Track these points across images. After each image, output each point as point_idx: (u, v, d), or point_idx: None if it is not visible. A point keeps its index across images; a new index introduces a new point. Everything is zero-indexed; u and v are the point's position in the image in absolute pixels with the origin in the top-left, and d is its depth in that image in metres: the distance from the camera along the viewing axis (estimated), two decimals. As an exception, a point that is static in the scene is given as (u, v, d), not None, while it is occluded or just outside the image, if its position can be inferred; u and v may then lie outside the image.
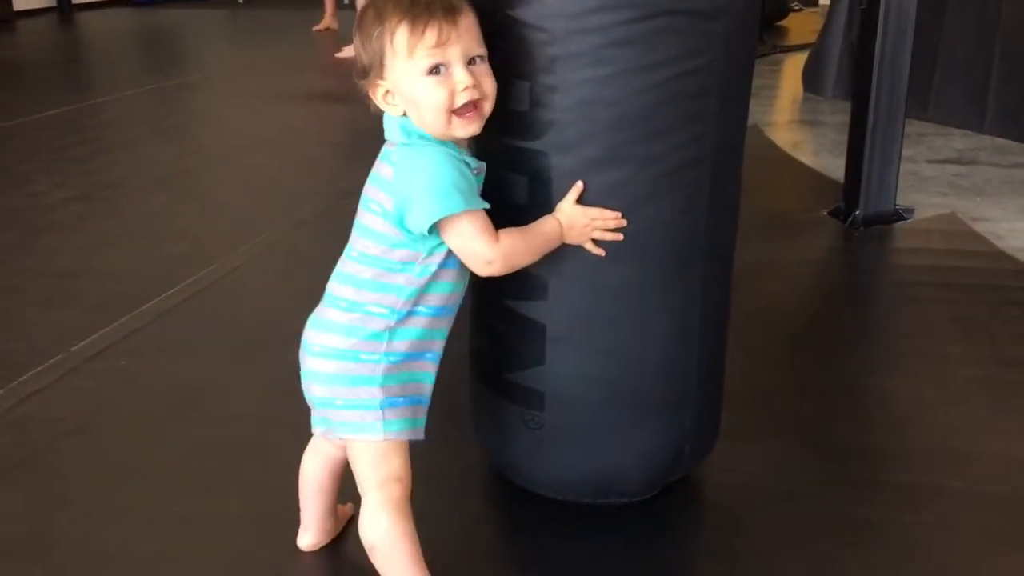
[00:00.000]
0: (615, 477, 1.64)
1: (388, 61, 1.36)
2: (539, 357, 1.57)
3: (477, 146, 1.57)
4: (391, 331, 1.39)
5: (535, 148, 1.48)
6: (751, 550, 1.61)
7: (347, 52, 6.95)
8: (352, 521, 1.66)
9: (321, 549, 1.60)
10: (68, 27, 8.96)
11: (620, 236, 1.47)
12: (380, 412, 1.38)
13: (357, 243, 1.42)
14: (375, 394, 1.38)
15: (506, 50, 1.45)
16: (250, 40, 7.03)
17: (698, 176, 1.51)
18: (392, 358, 1.39)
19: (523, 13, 1.42)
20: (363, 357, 1.38)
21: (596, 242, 1.48)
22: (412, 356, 1.42)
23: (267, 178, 3.95)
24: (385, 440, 1.38)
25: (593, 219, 1.46)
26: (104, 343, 2.38)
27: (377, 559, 1.39)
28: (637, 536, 1.64)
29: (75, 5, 9.80)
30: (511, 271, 1.45)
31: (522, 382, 1.60)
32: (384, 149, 1.43)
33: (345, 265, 1.43)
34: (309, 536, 1.60)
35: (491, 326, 1.63)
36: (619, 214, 1.46)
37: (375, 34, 1.35)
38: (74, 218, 3.41)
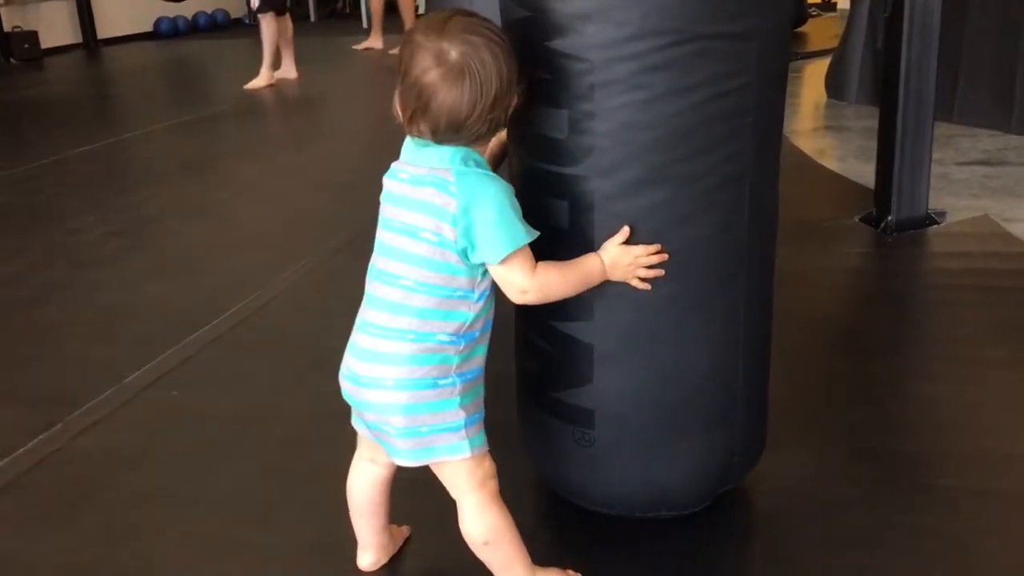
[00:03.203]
0: (666, 491, 1.67)
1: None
2: (587, 376, 1.61)
3: (519, 172, 1.61)
4: (460, 355, 1.43)
5: (575, 173, 1.51)
6: (805, 559, 1.63)
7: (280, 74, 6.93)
8: (408, 541, 1.70)
9: (381, 568, 1.64)
10: (94, 62, 9.11)
11: (662, 273, 1.51)
12: (464, 431, 1.43)
13: (407, 272, 1.41)
14: (458, 416, 1.43)
15: (544, 79, 1.49)
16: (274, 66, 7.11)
17: (737, 193, 1.54)
18: (465, 378, 1.44)
19: (561, 44, 1.46)
20: (440, 383, 1.42)
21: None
22: (477, 373, 1.47)
23: (300, 205, 4.02)
24: (472, 456, 1.44)
25: (637, 257, 1.49)
26: (155, 374, 2.44)
27: (489, 553, 1.49)
28: (690, 548, 1.66)
29: (100, 40, 9.97)
30: (546, 302, 1.49)
31: (571, 400, 1.63)
32: (424, 175, 1.40)
33: (393, 294, 1.42)
34: (369, 555, 1.64)
35: (538, 347, 1.67)
36: (659, 247, 1.49)
37: (511, 55, 1.39)
38: (115, 252, 3.49)
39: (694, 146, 1.48)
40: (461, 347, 1.43)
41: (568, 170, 1.52)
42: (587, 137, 1.49)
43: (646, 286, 1.51)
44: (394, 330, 1.42)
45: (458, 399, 1.43)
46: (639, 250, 1.49)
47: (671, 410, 1.60)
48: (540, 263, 1.45)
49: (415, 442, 1.43)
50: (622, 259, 1.49)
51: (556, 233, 1.53)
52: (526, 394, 1.75)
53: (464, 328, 1.43)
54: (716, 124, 1.48)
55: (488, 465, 1.47)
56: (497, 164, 1.64)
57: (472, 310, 1.43)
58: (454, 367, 1.42)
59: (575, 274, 1.48)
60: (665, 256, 1.50)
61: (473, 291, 1.42)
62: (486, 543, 1.48)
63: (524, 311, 1.65)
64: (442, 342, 1.41)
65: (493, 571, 1.51)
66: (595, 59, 1.44)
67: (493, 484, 1.48)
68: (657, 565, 1.64)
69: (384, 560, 1.65)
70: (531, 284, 1.43)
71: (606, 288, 1.53)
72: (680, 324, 1.57)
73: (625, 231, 1.49)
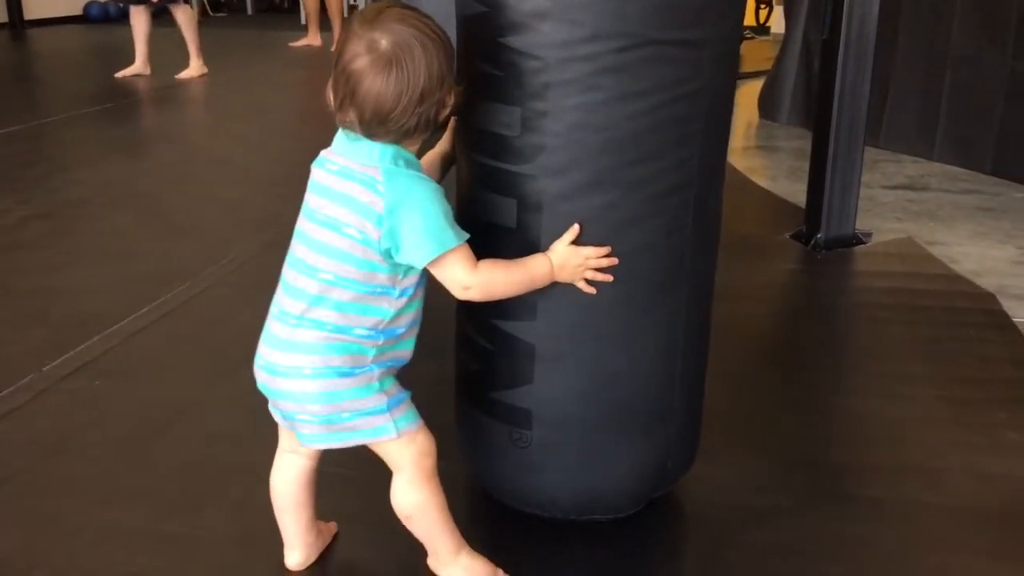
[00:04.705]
0: (601, 493, 1.67)
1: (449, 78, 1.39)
2: (527, 376, 1.60)
3: (468, 169, 1.60)
4: (379, 348, 1.43)
5: (525, 172, 1.51)
6: (736, 565, 1.65)
7: (129, 71, 6.62)
8: (337, 538, 1.67)
9: (310, 567, 1.61)
10: (20, 43, 8.82)
11: (610, 277, 1.51)
12: (388, 414, 1.43)
13: (327, 265, 1.39)
14: (380, 400, 1.43)
15: (499, 76, 1.49)
16: (209, 59, 6.98)
17: (683, 199, 1.55)
18: (384, 365, 1.44)
19: (517, 41, 1.46)
20: (357, 371, 1.41)
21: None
22: (401, 362, 1.49)
23: (231, 197, 3.94)
24: (400, 436, 1.44)
25: (587, 258, 1.49)
26: (77, 363, 2.36)
27: (413, 525, 1.51)
28: (623, 552, 1.67)
29: (27, 22, 9.66)
30: (490, 299, 1.49)
31: (509, 401, 1.63)
32: (354, 169, 1.38)
33: (312, 286, 1.40)
34: (296, 554, 1.61)
35: (478, 346, 1.66)
36: (609, 249, 1.50)
37: (444, 52, 1.38)
38: (37, 237, 3.37)
39: (644, 150, 1.49)
40: (380, 342, 1.42)
41: (518, 168, 1.51)
42: (538, 136, 1.49)
43: (592, 289, 1.52)
44: (311, 320, 1.41)
45: (377, 384, 1.43)
46: (589, 251, 1.49)
47: (609, 412, 1.61)
48: (484, 260, 1.44)
49: (338, 427, 1.43)
50: (571, 259, 1.49)
51: (503, 231, 1.53)
52: (464, 393, 1.74)
53: (384, 324, 1.42)
54: (667, 129, 1.49)
55: (421, 441, 1.47)
56: (441, 176, 1.63)
57: (393, 307, 1.42)
58: (371, 358, 1.42)
59: (521, 272, 1.48)
60: (615, 260, 1.50)
61: (393, 288, 1.41)
62: (407, 517, 1.50)
63: (465, 308, 1.64)
64: (360, 336, 1.41)
65: (421, 541, 1.54)
66: (550, 58, 1.44)
67: (427, 462, 1.48)
68: (591, 568, 1.64)
69: (313, 558, 1.62)
70: (473, 280, 1.43)
71: (549, 288, 1.52)
72: (622, 326, 1.57)
73: (575, 230, 1.49)
